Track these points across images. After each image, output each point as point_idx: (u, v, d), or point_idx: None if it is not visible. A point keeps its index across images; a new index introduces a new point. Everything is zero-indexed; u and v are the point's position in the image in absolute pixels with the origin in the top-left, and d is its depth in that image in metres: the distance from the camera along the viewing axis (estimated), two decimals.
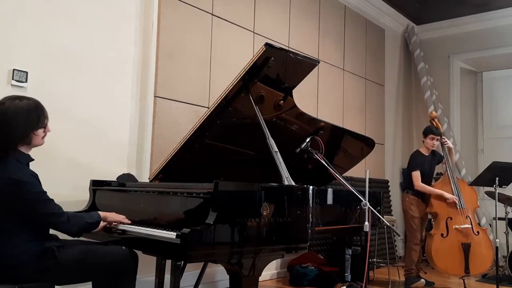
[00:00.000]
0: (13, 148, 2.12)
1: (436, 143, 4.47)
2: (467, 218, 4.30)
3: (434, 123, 4.64)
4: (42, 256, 2.12)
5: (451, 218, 4.29)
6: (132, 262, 2.39)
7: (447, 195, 4.30)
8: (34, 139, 2.17)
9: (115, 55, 3.50)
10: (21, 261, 2.07)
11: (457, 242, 4.24)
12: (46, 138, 2.89)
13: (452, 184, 4.37)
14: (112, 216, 2.47)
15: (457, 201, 4.29)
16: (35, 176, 2.15)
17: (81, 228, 2.27)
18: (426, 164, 4.50)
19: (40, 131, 2.19)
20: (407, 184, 4.62)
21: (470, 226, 4.27)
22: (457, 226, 4.25)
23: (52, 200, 2.17)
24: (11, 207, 2.08)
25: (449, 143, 4.59)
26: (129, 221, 2.50)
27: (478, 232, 4.29)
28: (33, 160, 2.24)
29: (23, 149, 2.17)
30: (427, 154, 4.51)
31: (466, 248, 4.21)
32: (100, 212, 2.41)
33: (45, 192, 2.15)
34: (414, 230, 4.40)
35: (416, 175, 4.39)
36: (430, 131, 4.48)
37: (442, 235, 4.27)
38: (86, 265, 2.24)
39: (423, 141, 4.54)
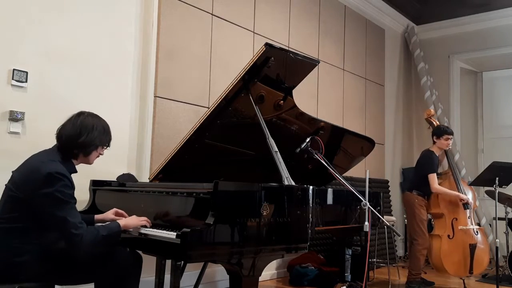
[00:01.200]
0: (73, 154, 2.24)
1: (451, 142, 4.38)
2: (469, 218, 4.29)
3: (432, 121, 4.62)
4: (45, 256, 2.11)
5: (456, 219, 4.26)
6: (136, 264, 2.39)
7: (463, 196, 4.24)
8: (92, 155, 2.30)
9: (115, 55, 3.50)
10: (24, 260, 2.07)
11: (464, 243, 4.22)
12: (46, 137, 2.92)
13: (458, 184, 4.35)
14: (134, 222, 2.32)
15: (469, 202, 4.27)
16: (72, 183, 2.14)
17: (92, 250, 2.13)
18: (438, 165, 4.43)
19: (101, 150, 2.33)
20: (413, 184, 4.46)
21: (474, 227, 4.26)
22: (462, 227, 4.24)
23: (77, 211, 2.13)
24: (34, 201, 2.05)
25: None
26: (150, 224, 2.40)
27: (477, 232, 4.29)
28: (76, 172, 2.26)
29: (76, 159, 2.27)
30: (437, 155, 4.41)
31: (472, 249, 4.19)
32: (119, 221, 2.28)
33: (75, 201, 2.14)
34: (423, 233, 4.26)
35: (434, 177, 4.24)
36: (445, 131, 4.36)
37: (448, 236, 4.24)
38: (89, 266, 2.23)
39: (435, 141, 4.39)
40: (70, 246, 2.08)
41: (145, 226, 2.36)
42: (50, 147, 2.30)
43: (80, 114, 2.29)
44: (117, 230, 2.21)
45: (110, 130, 2.37)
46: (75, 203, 2.14)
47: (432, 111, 4.77)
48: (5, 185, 2.20)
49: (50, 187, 2.04)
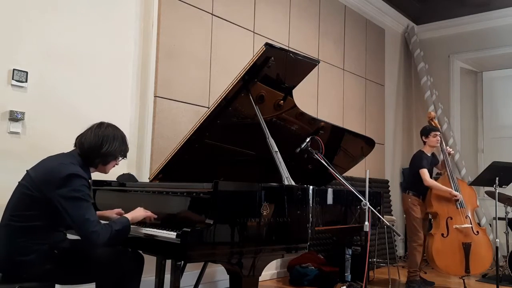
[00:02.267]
0: (94, 163, 2.31)
1: (439, 139, 4.48)
2: (466, 218, 4.29)
3: (432, 123, 4.65)
4: (50, 256, 2.13)
5: (451, 218, 4.29)
6: (137, 264, 2.41)
7: (454, 192, 4.29)
8: (110, 164, 2.37)
9: (115, 55, 3.50)
10: (29, 259, 2.09)
11: (458, 241, 4.23)
12: (47, 137, 2.92)
13: (452, 184, 4.37)
14: (141, 213, 2.37)
15: (460, 198, 4.29)
16: (90, 184, 2.22)
17: (106, 246, 2.18)
18: (429, 164, 4.49)
19: (118, 160, 2.40)
20: (408, 184, 4.59)
21: (470, 226, 4.26)
22: (457, 226, 4.25)
23: (94, 210, 2.17)
24: (53, 200, 2.09)
25: (450, 150, 4.64)
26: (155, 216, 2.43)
27: (477, 232, 4.29)
28: (91, 178, 2.32)
29: (95, 168, 2.35)
30: (429, 154, 4.50)
31: (466, 248, 4.20)
32: (127, 215, 2.31)
33: (93, 201, 2.21)
34: (417, 230, 4.37)
35: (424, 172, 4.35)
36: (430, 129, 4.50)
37: (442, 235, 4.26)
38: (91, 266, 2.25)
39: (425, 141, 4.51)
40: (88, 243, 2.12)
41: (150, 219, 2.40)
42: (65, 151, 2.35)
43: (101, 125, 2.35)
44: (128, 224, 2.25)
45: (127, 141, 2.43)
46: (93, 203, 2.20)
47: (433, 113, 4.82)
48: (19, 182, 2.24)
49: (70, 186, 2.10)
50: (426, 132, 4.53)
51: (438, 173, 5.42)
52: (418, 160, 4.46)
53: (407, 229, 4.58)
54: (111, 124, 2.39)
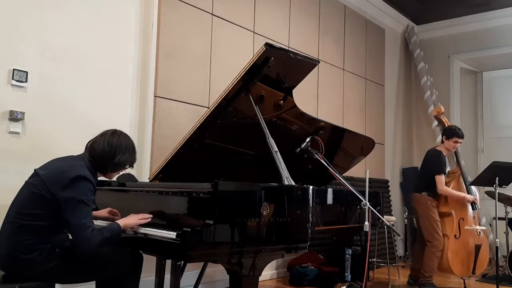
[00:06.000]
0: (104, 169, 2.35)
1: (458, 145, 4.29)
2: (474, 218, 4.29)
3: (442, 119, 4.57)
4: (52, 255, 2.14)
5: (463, 219, 4.25)
6: (136, 264, 2.42)
7: (469, 197, 4.21)
8: (116, 172, 2.43)
9: (115, 55, 3.50)
10: (31, 257, 2.09)
11: (469, 243, 4.22)
12: (46, 137, 2.93)
13: (466, 184, 4.34)
14: (133, 221, 2.34)
15: (476, 202, 4.24)
16: (96, 190, 2.25)
17: (95, 251, 2.18)
18: (446, 166, 4.33)
19: (125, 170, 2.45)
20: (423, 185, 4.31)
21: (481, 228, 4.25)
22: (468, 227, 4.22)
23: (91, 215, 2.18)
24: (58, 200, 2.11)
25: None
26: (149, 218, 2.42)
27: (480, 232, 4.29)
28: (97, 182, 2.34)
29: (104, 174, 2.39)
30: (445, 155, 4.33)
31: (477, 250, 4.19)
32: (119, 222, 2.30)
33: (94, 207, 2.22)
34: (437, 234, 4.15)
35: (441, 179, 4.15)
36: (455, 133, 4.24)
37: (455, 236, 4.21)
38: (91, 265, 2.25)
39: (443, 141, 4.31)
40: (78, 247, 2.12)
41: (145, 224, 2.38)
42: (72, 153, 2.38)
43: (114, 133, 2.37)
44: (118, 231, 2.24)
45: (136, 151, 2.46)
46: (93, 209, 2.21)
47: (442, 108, 4.70)
48: (26, 181, 2.25)
49: (77, 188, 2.12)
50: (450, 134, 4.27)
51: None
52: (437, 163, 4.20)
53: (425, 232, 4.24)
54: (123, 133, 2.40)
